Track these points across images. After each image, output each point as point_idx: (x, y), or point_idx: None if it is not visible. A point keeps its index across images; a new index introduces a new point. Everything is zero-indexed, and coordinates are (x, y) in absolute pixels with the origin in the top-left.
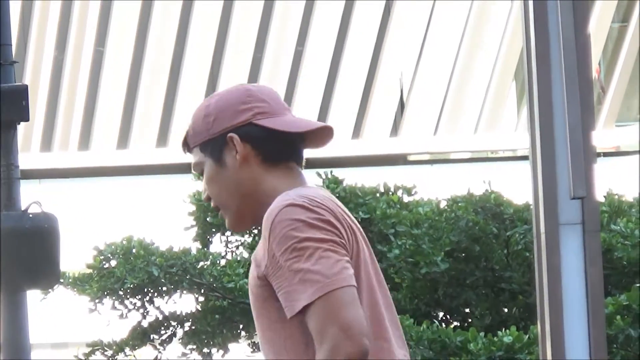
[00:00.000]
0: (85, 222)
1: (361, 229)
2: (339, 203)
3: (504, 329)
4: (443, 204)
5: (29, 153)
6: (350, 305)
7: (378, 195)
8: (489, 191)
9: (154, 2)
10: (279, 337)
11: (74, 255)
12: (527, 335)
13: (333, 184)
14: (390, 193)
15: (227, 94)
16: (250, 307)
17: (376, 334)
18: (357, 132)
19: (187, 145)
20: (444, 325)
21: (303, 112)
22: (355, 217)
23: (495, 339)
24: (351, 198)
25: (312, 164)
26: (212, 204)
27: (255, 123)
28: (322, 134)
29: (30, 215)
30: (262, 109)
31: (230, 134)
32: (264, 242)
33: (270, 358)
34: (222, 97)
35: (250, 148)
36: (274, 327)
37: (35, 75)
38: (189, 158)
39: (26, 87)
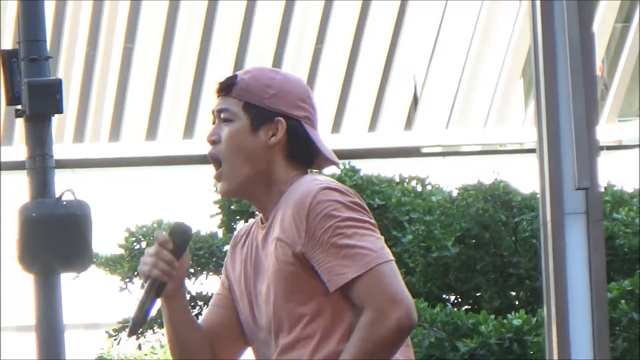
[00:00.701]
0: (116, 209)
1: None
2: None
3: (513, 312)
4: (454, 193)
5: (62, 144)
6: (397, 278)
7: (394, 184)
8: (498, 180)
9: (181, 1)
10: (313, 311)
11: (106, 239)
12: (535, 318)
13: (350, 173)
14: (405, 183)
15: (293, 82)
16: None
17: None
18: (373, 125)
19: (227, 90)
20: (455, 308)
21: (322, 107)
22: (372, 204)
23: (505, 321)
24: (367, 186)
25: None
26: (212, 152)
27: (302, 124)
28: (329, 162)
29: (64, 203)
30: (311, 116)
31: (279, 118)
32: (298, 222)
33: (298, 332)
34: (288, 81)
35: (286, 139)
36: (308, 302)
37: (68, 70)
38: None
39: (60, 81)
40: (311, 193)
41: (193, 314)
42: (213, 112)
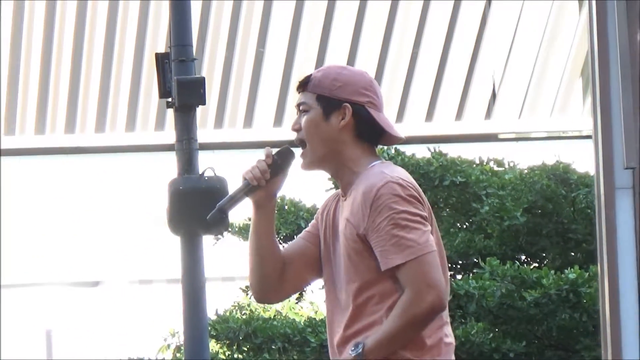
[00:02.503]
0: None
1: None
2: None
3: (569, 268)
4: (524, 172)
5: (205, 129)
6: (436, 267)
7: (473, 165)
8: (559, 162)
9: (305, 2)
10: (367, 282)
11: (239, 210)
12: (587, 273)
13: (438, 156)
14: (484, 164)
15: (357, 74)
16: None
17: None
18: (459, 115)
19: (304, 87)
20: (525, 265)
21: (418, 100)
22: (454, 181)
23: (563, 275)
24: (451, 166)
25: (423, 140)
26: (297, 137)
27: (366, 108)
28: (396, 139)
29: (206, 178)
30: (375, 101)
31: (346, 104)
32: (363, 208)
33: (357, 298)
34: (352, 74)
35: (353, 122)
36: (367, 276)
37: (210, 69)
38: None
39: (203, 79)
40: (377, 185)
41: None
42: (295, 106)
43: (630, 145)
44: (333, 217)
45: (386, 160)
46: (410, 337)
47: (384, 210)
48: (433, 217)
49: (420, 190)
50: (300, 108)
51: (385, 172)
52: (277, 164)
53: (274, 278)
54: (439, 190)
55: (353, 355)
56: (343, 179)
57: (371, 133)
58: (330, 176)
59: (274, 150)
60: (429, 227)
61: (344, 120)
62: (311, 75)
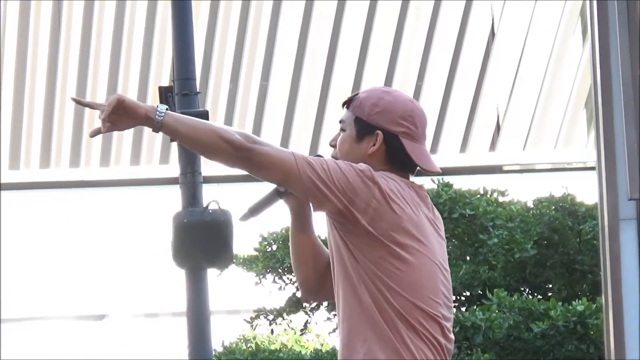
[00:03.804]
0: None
1: (440, 228)
2: (427, 201)
3: (577, 300)
4: (530, 204)
5: (209, 162)
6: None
7: (479, 196)
8: (567, 194)
9: (309, 36)
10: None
11: (244, 242)
12: (595, 305)
13: (446, 188)
14: (489, 195)
15: (399, 102)
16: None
17: (429, 299)
18: (463, 147)
19: (347, 104)
20: (530, 297)
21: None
22: (464, 213)
23: (570, 307)
24: (460, 198)
25: (427, 172)
26: (332, 154)
27: (399, 138)
28: (429, 171)
29: (210, 211)
30: (411, 132)
31: (378, 131)
32: None
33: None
34: (394, 101)
35: (384, 149)
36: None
37: (214, 103)
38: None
39: (207, 112)
40: None
41: (315, 303)
42: (339, 121)
43: (634, 177)
44: None
45: None
46: (206, 142)
47: None
48: (425, 226)
49: (392, 186)
50: (340, 125)
51: None
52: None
53: (313, 280)
54: (446, 222)
55: (157, 118)
56: None
57: (402, 162)
58: None
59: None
60: (329, 188)
61: (374, 146)
62: (358, 93)
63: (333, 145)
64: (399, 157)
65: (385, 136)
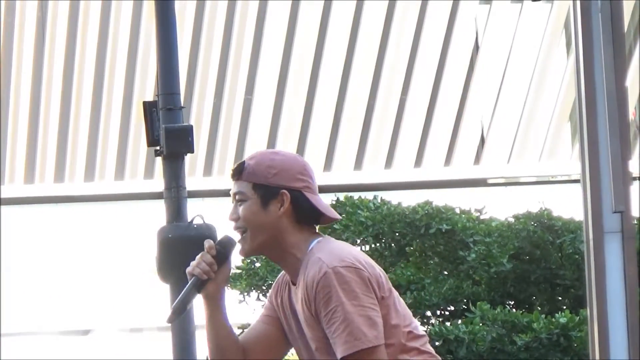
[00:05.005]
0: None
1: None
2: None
3: (560, 312)
4: (511, 219)
5: (194, 177)
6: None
7: (458, 212)
8: (543, 209)
9: (293, 50)
10: None
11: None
12: (578, 317)
13: (424, 204)
14: (468, 212)
15: (290, 159)
16: None
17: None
18: (448, 160)
19: (238, 175)
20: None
21: (407, 147)
22: (441, 228)
23: (553, 319)
24: (437, 214)
25: (412, 186)
26: (236, 226)
27: (303, 193)
28: (332, 219)
29: (195, 226)
30: (310, 185)
31: (284, 191)
32: (311, 302)
33: None
34: (287, 160)
35: (291, 208)
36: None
37: (198, 117)
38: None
39: (191, 127)
40: (316, 278)
41: None
42: (231, 195)
43: (618, 189)
44: (290, 304)
45: (371, 210)
46: None
47: (329, 302)
48: (385, 277)
49: (361, 259)
50: (237, 198)
51: (322, 258)
52: (221, 254)
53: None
54: (426, 239)
55: None
56: (288, 266)
57: (310, 217)
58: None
59: (215, 241)
60: (377, 310)
61: (283, 207)
62: (244, 163)
63: (235, 219)
64: (306, 213)
65: (290, 194)
